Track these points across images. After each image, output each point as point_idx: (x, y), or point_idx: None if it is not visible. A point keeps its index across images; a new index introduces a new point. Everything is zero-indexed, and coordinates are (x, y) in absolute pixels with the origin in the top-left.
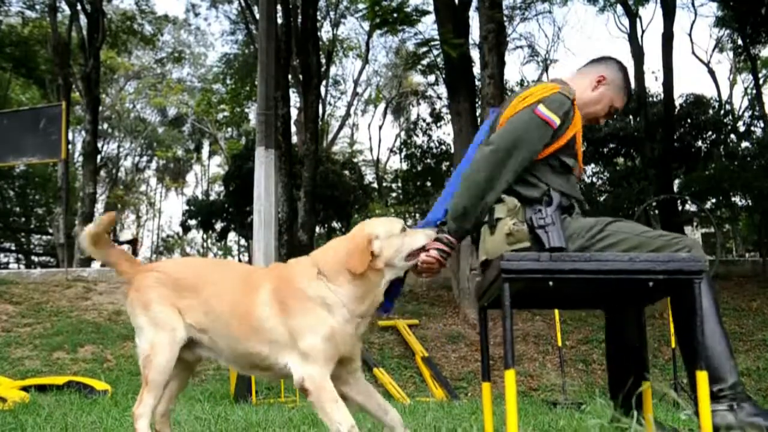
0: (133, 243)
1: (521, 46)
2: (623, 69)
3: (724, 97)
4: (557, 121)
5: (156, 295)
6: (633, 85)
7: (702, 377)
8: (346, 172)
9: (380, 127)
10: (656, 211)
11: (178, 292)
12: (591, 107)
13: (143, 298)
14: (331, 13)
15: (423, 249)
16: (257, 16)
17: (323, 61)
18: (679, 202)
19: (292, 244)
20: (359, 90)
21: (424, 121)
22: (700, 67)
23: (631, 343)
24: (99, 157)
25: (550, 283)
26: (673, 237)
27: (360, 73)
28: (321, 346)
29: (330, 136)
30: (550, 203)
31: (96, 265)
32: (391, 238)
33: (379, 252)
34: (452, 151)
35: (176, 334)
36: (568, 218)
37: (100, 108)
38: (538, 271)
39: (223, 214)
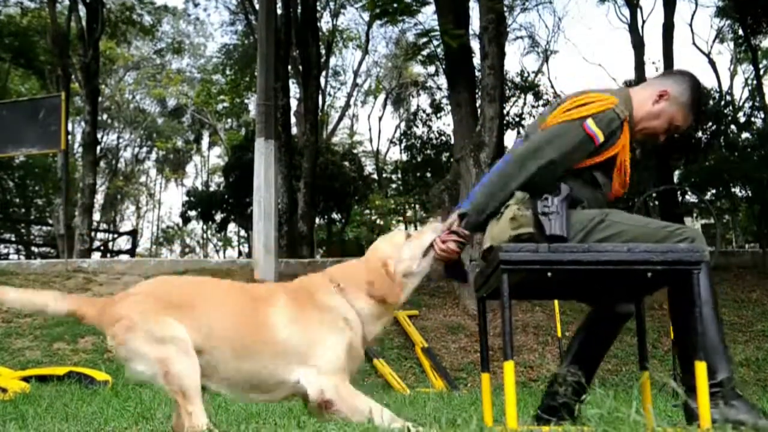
0: (133, 234)
1: (521, 37)
2: (694, 87)
3: (725, 87)
4: (601, 138)
5: (140, 314)
6: (703, 104)
7: (701, 368)
8: (346, 163)
9: (380, 118)
10: (656, 202)
11: (165, 310)
12: (648, 122)
13: (127, 323)
14: (331, 4)
15: (432, 245)
16: (257, 6)
17: (323, 51)
18: (679, 193)
19: (292, 235)
20: (359, 81)
21: (424, 111)
22: (700, 57)
23: (607, 340)
24: (99, 147)
25: (549, 273)
26: (676, 228)
27: (360, 63)
28: (340, 358)
29: (330, 127)
30: (558, 194)
31: (96, 256)
32: (401, 250)
33: (393, 269)
34: (452, 141)
35: (181, 338)
36: (572, 210)
37: (100, 99)
38: (536, 261)
39: (223, 205)
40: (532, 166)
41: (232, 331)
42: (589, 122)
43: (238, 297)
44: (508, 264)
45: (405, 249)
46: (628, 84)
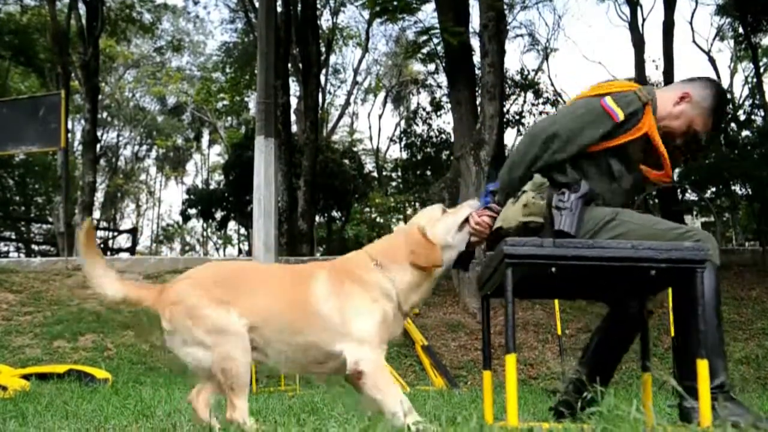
0: (133, 232)
1: (521, 35)
2: (718, 95)
3: (725, 85)
4: (621, 116)
5: (198, 298)
6: (725, 112)
7: (702, 366)
8: (346, 161)
9: (380, 116)
10: (656, 200)
11: (219, 292)
12: (668, 121)
13: (186, 306)
14: (331, 1)
15: (467, 220)
16: (256, 4)
17: (323, 49)
18: (679, 191)
19: (292, 233)
20: (359, 79)
21: (424, 109)
22: (700, 55)
23: (620, 343)
24: (98, 145)
25: (553, 269)
26: (686, 230)
27: (360, 61)
28: (375, 329)
29: (330, 125)
30: (576, 190)
31: None
32: (436, 223)
33: (433, 239)
34: (452, 140)
35: (239, 330)
36: (587, 207)
37: (100, 97)
38: (540, 256)
39: (223, 203)
40: (544, 133)
41: (279, 307)
42: (608, 99)
43: (283, 276)
44: (512, 258)
45: (441, 223)
46: (630, 81)
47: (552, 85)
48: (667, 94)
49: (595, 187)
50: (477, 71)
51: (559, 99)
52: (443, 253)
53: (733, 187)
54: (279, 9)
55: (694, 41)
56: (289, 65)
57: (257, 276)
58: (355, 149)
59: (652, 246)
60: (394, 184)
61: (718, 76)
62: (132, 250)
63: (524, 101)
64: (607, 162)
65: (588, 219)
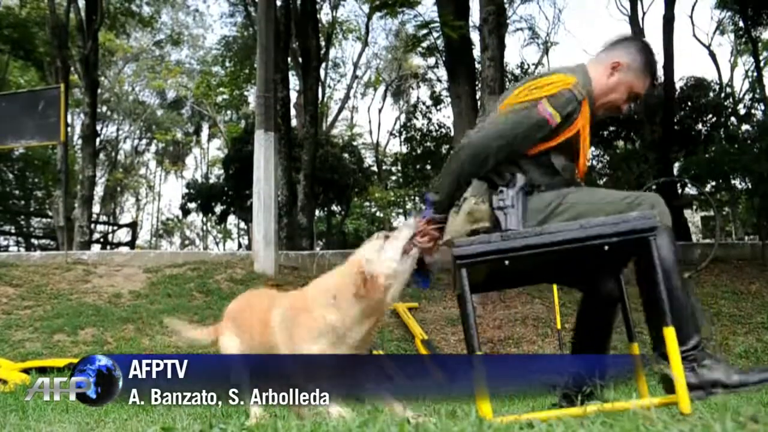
0: (133, 226)
1: (521, 29)
2: (644, 49)
3: (725, 79)
4: (557, 120)
5: (222, 328)
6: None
7: (669, 333)
8: (346, 156)
9: (380, 110)
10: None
11: (233, 320)
12: (608, 96)
13: (218, 336)
14: None
15: (413, 238)
16: None
17: (323, 43)
18: (678, 185)
19: (292, 227)
20: (359, 73)
21: (423, 104)
22: (700, 49)
23: (601, 326)
24: (98, 139)
25: (506, 262)
26: (635, 197)
27: (360, 55)
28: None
29: (329, 119)
30: (513, 185)
31: (96, 248)
32: (379, 252)
33: (374, 271)
34: (452, 134)
35: (235, 348)
36: (529, 197)
37: (99, 90)
38: (490, 252)
39: (223, 197)
40: (485, 152)
41: (255, 332)
42: (544, 103)
43: (264, 305)
44: (464, 258)
45: (383, 252)
46: (566, 74)
47: None
48: (597, 68)
49: (536, 181)
50: (477, 65)
51: None
52: (391, 279)
53: (733, 182)
54: (278, 2)
55: (694, 35)
56: (289, 59)
57: (253, 307)
58: (354, 143)
59: (599, 222)
60: (393, 178)
61: (718, 70)
62: (132, 244)
63: None
64: (548, 159)
65: (533, 208)
